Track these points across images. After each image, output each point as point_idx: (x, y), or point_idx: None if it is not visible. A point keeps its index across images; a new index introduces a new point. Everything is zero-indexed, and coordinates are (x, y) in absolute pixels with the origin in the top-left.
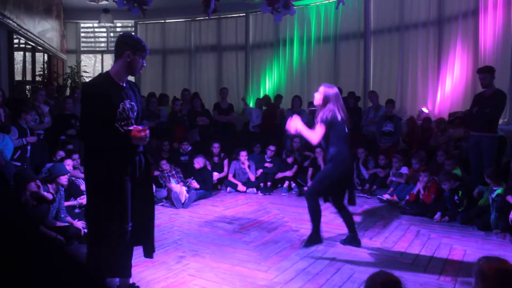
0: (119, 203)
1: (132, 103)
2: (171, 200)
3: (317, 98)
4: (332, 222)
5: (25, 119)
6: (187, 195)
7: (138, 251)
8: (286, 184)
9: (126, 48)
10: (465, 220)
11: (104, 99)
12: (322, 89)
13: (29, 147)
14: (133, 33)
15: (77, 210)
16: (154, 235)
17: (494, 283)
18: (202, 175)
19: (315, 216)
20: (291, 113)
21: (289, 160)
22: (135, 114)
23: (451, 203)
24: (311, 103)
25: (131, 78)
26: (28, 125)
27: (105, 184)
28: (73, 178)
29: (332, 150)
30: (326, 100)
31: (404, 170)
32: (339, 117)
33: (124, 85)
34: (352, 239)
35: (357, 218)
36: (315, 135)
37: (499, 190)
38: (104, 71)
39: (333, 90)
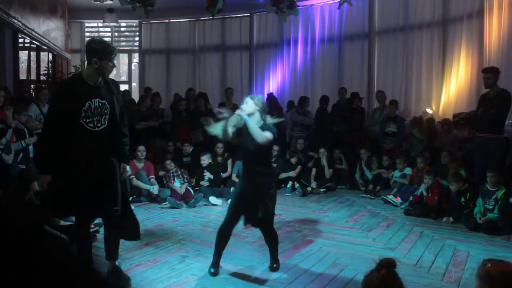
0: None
1: (103, 101)
2: (170, 201)
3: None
4: (334, 223)
5: (18, 120)
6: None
7: (141, 251)
8: (289, 184)
9: (93, 55)
10: (469, 221)
11: (71, 96)
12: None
13: (31, 148)
14: (99, 37)
15: None
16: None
17: (500, 286)
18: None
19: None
20: (296, 112)
21: (293, 160)
22: (106, 111)
23: (457, 205)
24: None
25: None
26: (26, 125)
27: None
28: None
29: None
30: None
31: (408, 171)
32: None
33: (99, 84)
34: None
35: (360, 219)
36: (264, 136)
37: (501, 191)
38: None
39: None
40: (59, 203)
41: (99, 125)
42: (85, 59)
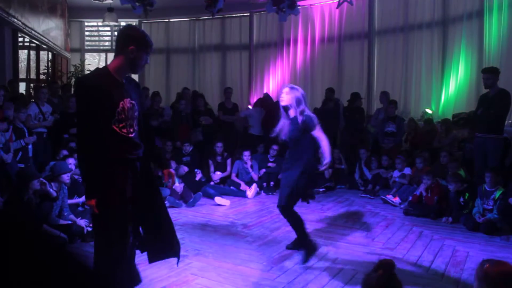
0: (116, 219)
1: (133, 101)
2: (170, 200)
3: (285, 98)
4: (334, 223)
5: (18, 118)
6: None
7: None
8: None
9: (131, 42)
10: (469, 222)
11: (102, 95)
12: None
13: (30, 147)
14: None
15: (80, 208)
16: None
17: (498, 286)
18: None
19: (300, 227)
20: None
21: None
22: (136, 114)
23: (456, 205)
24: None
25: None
26: (24, 124)
27: (102, 194)
28: (76, 176)
29: (305, 157)
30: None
31: (407, 171)
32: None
33: (124, 81)
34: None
35: (360, 219)
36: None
37: (499, 192)
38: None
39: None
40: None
41: (131, 130)
42: (115, 48)
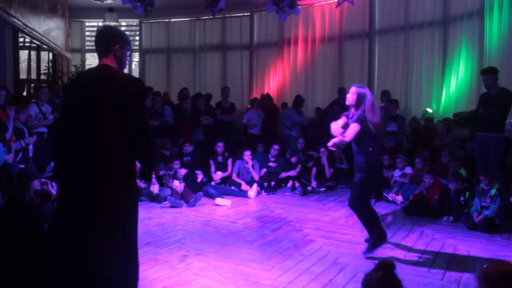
0: None
1: None
2: (171, 201)
3: (350, 98)
4: (335, 222)
5: (18, 119)
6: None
7: (141, 250)
8: (290, 183)
9: (115, 41)
10: (469, 220)
11: None
12: (354, 89)
13: (31, 147)
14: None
15: None
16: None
17: (498, 286)
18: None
19: (368, 221)
20: (292, 111)
21: (293, 159)
22: None
23: (457, 204)
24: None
25: None
26: (25, 124)
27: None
28: None
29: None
30: (360, 100)
31: (408, 170)
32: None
33: None
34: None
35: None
36: (348, 133)
37: (494, 189)
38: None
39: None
40: None
41: None
42: (101, 50)
